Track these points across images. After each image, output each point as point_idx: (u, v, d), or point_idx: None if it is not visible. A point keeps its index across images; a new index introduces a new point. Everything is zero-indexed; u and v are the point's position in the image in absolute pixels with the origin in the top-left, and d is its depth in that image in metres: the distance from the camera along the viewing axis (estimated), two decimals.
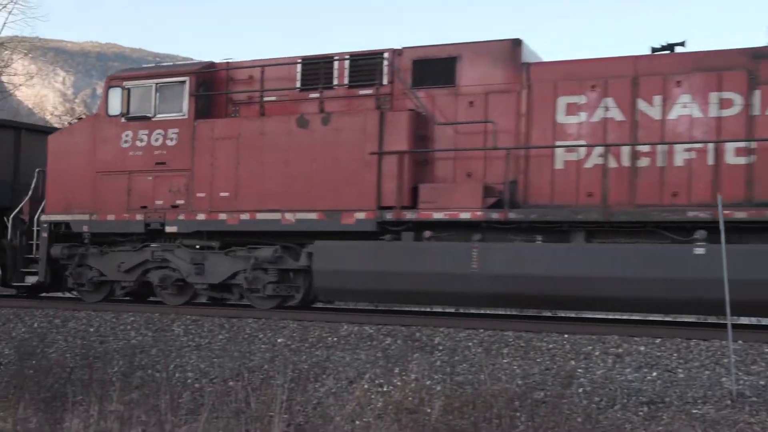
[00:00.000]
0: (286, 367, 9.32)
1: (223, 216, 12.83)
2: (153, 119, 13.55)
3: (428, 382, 9.07)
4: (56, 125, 72.43)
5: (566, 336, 10.03)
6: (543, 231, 11.49)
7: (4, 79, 63.68)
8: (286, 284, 12.76)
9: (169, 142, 13.44)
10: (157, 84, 13.66)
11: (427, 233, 11.77)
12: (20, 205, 14.90)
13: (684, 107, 11.07)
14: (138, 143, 13.65)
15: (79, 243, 14.13)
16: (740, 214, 10.33)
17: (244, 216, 12.68)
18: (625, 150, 11.22)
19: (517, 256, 11.28)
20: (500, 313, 13.85)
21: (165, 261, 13.52)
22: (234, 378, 9.69)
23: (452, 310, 13.02)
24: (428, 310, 13.23)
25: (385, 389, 9.15)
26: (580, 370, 9.07)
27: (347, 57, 12.94)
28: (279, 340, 10.88)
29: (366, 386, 9.22)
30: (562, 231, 11.42)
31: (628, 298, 10.91)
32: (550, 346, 9.80)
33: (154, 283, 13.70)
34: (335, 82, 12.89)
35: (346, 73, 12.86)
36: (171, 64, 16.15)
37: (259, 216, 12.59)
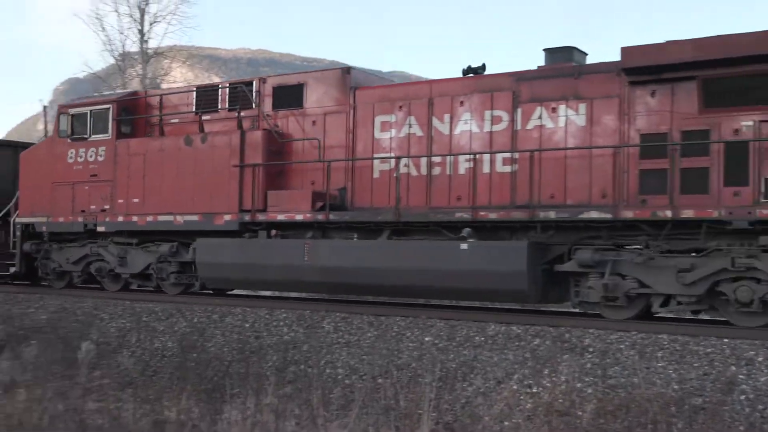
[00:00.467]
0: (434, 366, 9.38)
1: (135, 218, 15.71)
2: (88, 139, 16.65)
3: (579, 385, 8.88)
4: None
5: (725, 340, 9.55)
6: (359, 230, 13.58)
7: (165, 86, 67.65)
8: (187, 274, 15.37)
9: (99, 158, 16.50)
10: (91, 110, 16.77)
11: (273, 232, 14.13)
12: (5, 209, 18.33)
13: (465, 123, 12.95)
14: (78, 159, 16.80)
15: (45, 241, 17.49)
16: (492, 215, 12.20)
17: (150, 218, 15.49)
18: (423, 161, 13.22)
19: (336, 251, 13.31)
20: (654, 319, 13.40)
21: (100, 255, 16.48)
22: (383, 375, 9.86)
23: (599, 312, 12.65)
24: (574, 311, 12.85)
25: (534, 390, 9.05)
26: (741, 377, 8.62)
27: (227, 85, 15.80)
28: (426, 339, 10.95)
29: (515, 387, 9.15)
30: (375, 230, 13.37)
31: (419, 287, 12.84)
32: (708, 350, 9.34)
33: (93, 273, 16.71)
34: (219, 106, 15.50)
35: (227, 98, 15.44)
36: (102, 94, 19.08)
37: (160, 218, 15.33)
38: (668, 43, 11.32)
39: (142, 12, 60.69)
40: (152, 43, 63.17)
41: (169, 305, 14.10)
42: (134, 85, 62.02)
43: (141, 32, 61.20)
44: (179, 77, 69.79)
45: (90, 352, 11.44)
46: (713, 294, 10.89)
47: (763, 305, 10.37)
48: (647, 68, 11.32)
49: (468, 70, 13.55)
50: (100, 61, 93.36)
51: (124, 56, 61.72)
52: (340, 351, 11.14)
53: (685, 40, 11.17)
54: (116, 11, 62.25)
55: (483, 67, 13.54)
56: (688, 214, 10.79)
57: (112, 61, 62.06)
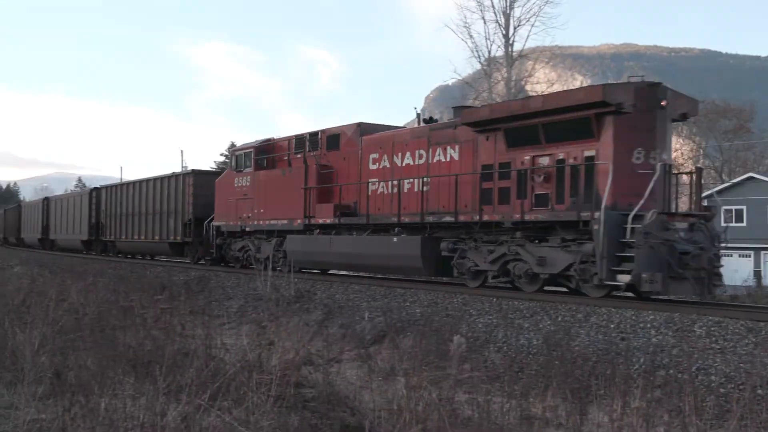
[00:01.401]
0: None
1: (261, 222, 23.90)
2: (243, 171, 25.27)
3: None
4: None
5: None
6: (357, 229, 20.23)
7: (528, 88, 68.81)
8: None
9: (247, 184, 24.90)
10: (244, 152, 25.59)
11: (317, 231, 21.49)
12: (210, 217, 27.50)
13: (408, 159, 18.93)
14: (238, 184, 25.34)
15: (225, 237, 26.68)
16: (406, 220, 18.37)
17: (267, 222, 23.58)
18: (389, 183, 19.31)
19: (340, 242, 20.41)
20: None
21: (248, 247, 24.88)
22: (764, 386, 9.04)
23: None
24: None
25: None
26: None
27: (306, 135, 22.86)
28: None
29: None
30: (364, 228, 19.97)
31: (377, 265, 19.63)
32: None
33: (244, 257, 25.37)
34: (303, 148, 22.74)
35: (306, 143, 22.67)
36: (254, 141, 26.15)
37: (271, 222, 23.35)
38: (482, 107, 18.26)
39: (507, 17, 62.43)
40: (516, 46, 64.64)
41: (533, 303, 14.28)
42: (499, 89, 64.02)
43: (506, 36, 63.01)
44: (542, 78, 70.53)
45: (461, 346, 12.01)
46: (506, 269, 16.36)
47: (530, 277, 15.65)
48: (475, 123, 16.89)
49: (426, 120, 19.91)
50: (467, 67, 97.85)
51: (490, 61, 64.03)
52: (714, 357, 10.42)
53: (489, 104, 18.12)
54: (482, 18, 64.94)
55: (431, 119, 20.20)
56: (485, 218, 16.36)
57: (478, 66, 64.91)
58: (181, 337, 11.15)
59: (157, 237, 32.27)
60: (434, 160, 18.22)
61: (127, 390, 7.60)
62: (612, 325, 12.36)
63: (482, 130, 16.81)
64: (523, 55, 67.04)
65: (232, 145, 78.96)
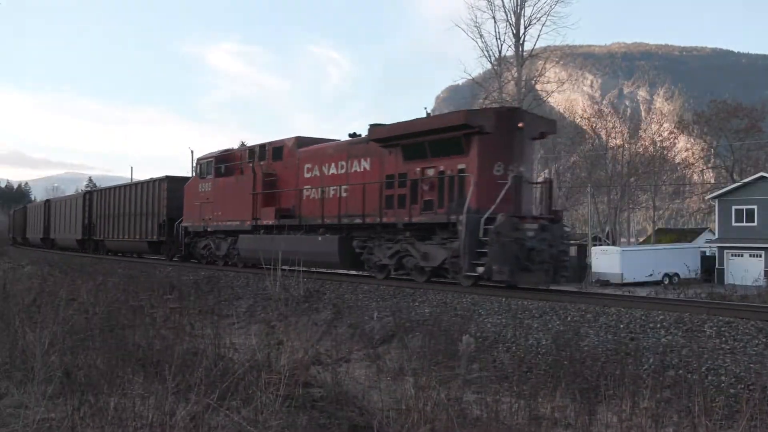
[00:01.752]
0: None
1: (219, 223, 27.32)
2: (206, 178, 28.61)
3: None
4: (584, 127, 74.87)
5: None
6: (294, 229, 22.89)
7: (539, 87, 68.67)
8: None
9: (208, 189, 28.19)
10: (207, 161, 28.73)
11: (262, 231, 24.64)
12: (180, 219, 31.05)
13: (332, 169, 21.83)
14: (202, 189, 28.61)
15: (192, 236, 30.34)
16: (328, 221, 21.34)
17: (224, 223, 26.97)
18: (318, 190, 22.08)
19: (279, 241, 22.27)
20: None
21: (211, 245, 28.53)
22: None
23: None
24: None
25: None
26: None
27: (257, 147, 26.07)
28: None
29: None
30: (298, 229, 22.80)
31: (307, 260, 20.87)
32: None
33: (206, 253, 29.07)
34: (254, 158, 25.83)
35: (257, 154, 25.77)
36: (215, 151, 29.45)
37: (227, 223, 26.74)
38: (385, 126, 19.93)
39: (518, 16, 62.39)
40: (527, 46, 64.65)
41: (542, 303, 14.29)
42: (509, 88, 63.87)
43: (516, 36, 62.97)
44: (553, 77, 70.34)
45: (470, 345, 12.01)
46: (401, 263, 19.31)
47: (418, 270, 18.51)
48: (380, 139, 19.74)
49: (351, 135, 22.72)
50: (477, 67, 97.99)
51: (500, 61, 63.94)
52: (724, 357, 10.39)
53: (391, 124, 19.80)
54: (493, 18, 65.01)
55: (354, 134, 22.52)
56: (384, 220, 19.29)
57: (488, 66, 64.83)
58: (190, 336, 11.17)
59: (138, 236, 35.86)
60: (352, 171, 21.28)
61: (137, 389, 7.63)
62: (621, 325, 12.34)
63: (386, 145, 19.79)
64: (533, 55, 66.88)
65: (242, 144, 79.35)
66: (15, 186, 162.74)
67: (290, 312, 15.70)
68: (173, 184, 32.67)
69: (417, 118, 19.04)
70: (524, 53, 66.27)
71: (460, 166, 17.77)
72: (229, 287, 21.63)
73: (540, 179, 19.94)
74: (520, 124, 17.70)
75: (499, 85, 64.79)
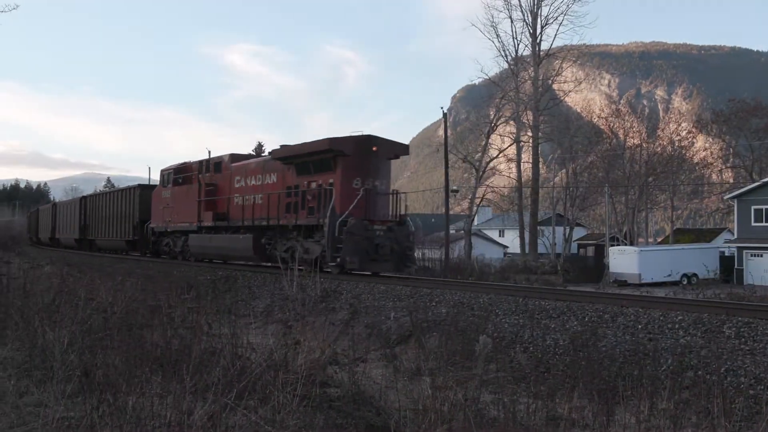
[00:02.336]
0: None
1: (176, 225, 32.96)
2: (167, 186, 34.10)
3: None
4: (601, 126, 74.71)
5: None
6: (226, 230, 28.81)
7: (555, 86, 68.43)
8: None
9: (169, 195, 33.66)
10: (168, 173, 34.24)
11: (203, 231, 30.44)
12: (149, 221, 37.15)
13: (253, 180, 27.47)
14: (164, 196, 34.17)
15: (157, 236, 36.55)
16: (246, 223, 27.10)
17: (178, 225, 32.76)
18: (243, 197, 27.90)
19: (213, 239, 29.17)
20: None
21: (170, 243, 34.28)
22: None
23: None
24: None
25: None
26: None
27: (204, 160, 31.70)
28: None
29: None
30: (229, 229, 28.72)
31: (232, 255, 28.74)
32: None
33: (168, 250, 34.77)
34: (201, 171, 31.53)
35: (203, 167, 31.38)
36: (175, 164, 34.56)
37: (180, 225, 32.45)
38: (284, 148, 25.94)
39: (535, 16, 62.34)
40: (544, 45, 64.78)
41: (560, 304, 14.25)
42: (526, 88, 63.56)
43: (533, 35, 62.91)
44: (570, 77, 70.14)
45: (487, 346, 11.98)
46: (293, 256, 23.40)
47: (303, 261, 22.32)
48: (280, 159, 25.61)
49: (270, 153, 28.27)
50: (494, 66, 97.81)
51: (517, 60, 63.83)
52: (743, 358, 10.31)
53: (288, 146, 25.71)
54: (509, 17, 65.01)
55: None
56: (282, 222, 24.94)
57: (505, 66, 64.71)
58: (207, 336, 11.14)
59: (118, 236, 42.45)
60: (266, 182, 26.90)
61: (155, 388, 7.65)
62: (639, 326, 12.28)
63: (285, 163, 25.59)
64: (550, 54, 66.77)
65: (258, 146, 79.79)
66: (34, 186, 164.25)
67: (307, 312, 15.71)
68: (145, 191, 39.19)
69: (304, 143, 25.19)
70: (541, 53, 66.17)
71: (330, 181, 23.39)
72: (246, 287, 21.74)
73: (391, 190, 24.71)
74: (374, 148, 23.16)
75: (515, 85, 64.64)
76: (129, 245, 40.57)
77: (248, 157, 30.30)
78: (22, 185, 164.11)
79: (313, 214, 23.48)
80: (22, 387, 8.42)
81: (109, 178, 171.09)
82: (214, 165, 30.71)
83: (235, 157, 29.78)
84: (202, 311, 12.12)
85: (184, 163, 34.22)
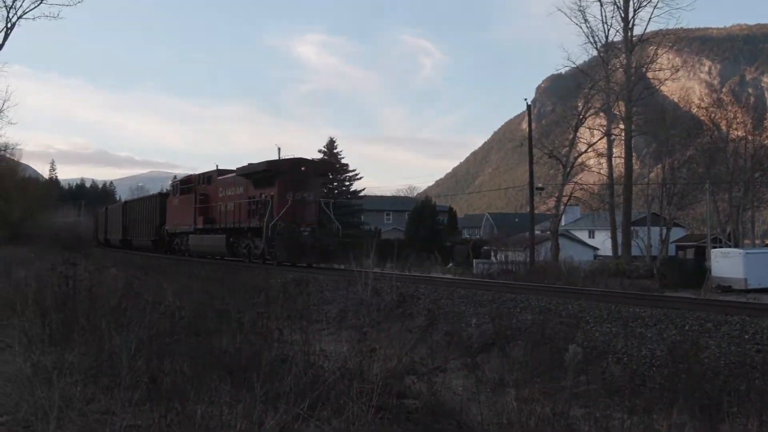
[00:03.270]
0: None
1: (180, 227, 43.70)
2: (175, 195, 44.82)
3: None
4: (701, 117, 72.69)
5: None
6: (214, 232, 38.85)
7: (650, 74, 66.87)
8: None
9: (177, 203, 44.12)
10: (176, 184, 46.04)
11: (198, 232, 40.61)
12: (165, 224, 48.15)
13: (230, 191, 37.21)
14: (173, 204, 45.05)
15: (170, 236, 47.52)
16: (222, 226, 38.10)
17: (180, 228, 43.68)
18: (226, 204, 37.62)
19: (206, 239, 39.01)
20: None
21: (182, 242, 43.97)
22: None
23: None
24: None
25: None
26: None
27: (200, 175, 42.88)
28: None
29: None
30: (214, 232, 38.78)
31: (211, 252, 38.44)
32: None
33: (184, 249, 43.84)
34: (200, 182, 41.85)
35: (199, 180, 42.32)
36: (182, 176, 49.36)
37: (182, 228, 43.18)
38: (247, 166, 35.24)
39: None
40: (636, 30, 63.43)
41: (657, 311, 13.92)
42: (617, 76, 62.33)
43: (625, 19, 61.65)
44: (666, 64, 68.45)
45: (576, 356, 11.77)
46: (248, 251, 34.86)
47: (254, 255, 33.83)
48: (242, 175, 35.53)
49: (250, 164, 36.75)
50: (582, 54, 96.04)
51: (607, 47, 62.69)
52: None
53: (247, 165, 35.31)
54: (599, 1, 63.78)
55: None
56: (242, 225, 34.78)
57: (594, 53, 63.63)
58: (278, 342, 11.26)
59: (146, 237, 52.01)
60: (237, 193, 35.91)
61: (224, 397, 7.74)
62: (746, 336, 11.91)
63: (247, 178, 34.70)
64: (644, 40, 65.32)
65: (330, 141, 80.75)
66: (100, 186, 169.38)
67: (383, 318, 15.72)
68: (164, 198, 48.96)
69: (257, 163, 34.02)
70: (634, 38, 64.80)
71: (272, 193, 32.14)
72: (319, 291, 21.92)
73: (320, 199, 33.83)
74: (302, 168, 32.42)
75: (606, 74, 63.45)
76: (153, 244, 49.71)
77: (229, 172, 39.07)
78: (88, 184, 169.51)
79: (261, 219, 32.07)
80: (89, 393, 8.64)
81: (176, 176, 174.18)
82: (207, 178, 40.93)
83: (221, 172, 39.88)
84: (272, 316, 12.27)
85: (189, 175, 45.69)
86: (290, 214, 31.27)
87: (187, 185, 43.22)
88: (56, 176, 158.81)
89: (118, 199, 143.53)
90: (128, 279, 16.93)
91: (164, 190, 53.79)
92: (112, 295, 13.34)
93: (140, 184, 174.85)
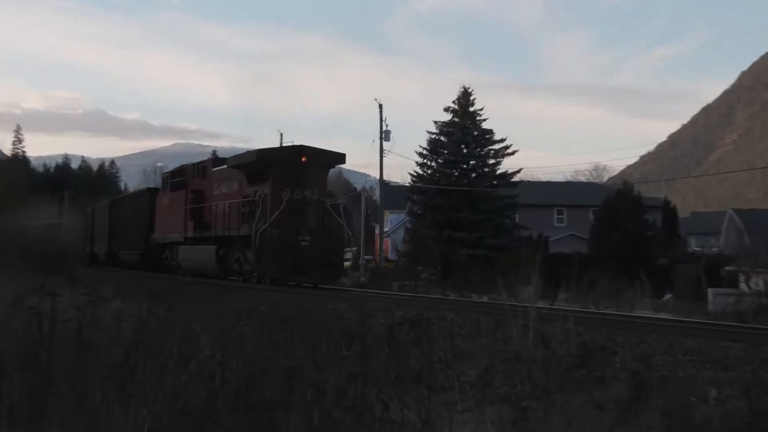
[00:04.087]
0: None
1: (169, 235, 48.46)
2: (165, 192, 48.07)
3: None
4: None
5: None
6: (204, 241, 43.59)
7: None
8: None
9: (169, 202, 47.10)
10: (166, 176, 49.75)
11: (188, 242, 43.88)
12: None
13: (224, 188, 45.88)
14: (165, 202, 48.75)
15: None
16: (215, 234, 45.17)
17: (170, 235, 47.97)
18: (222, 203, 43.52)
19: (192, 250, 45.46)
20: None
21: (172, 256, 46.79)
22: None
23: None
24: None
25: None
26: None
27: (196, 165, 46.22)
28: None
29: None
30: (207, 241, 42.53)
31: (201, 269, 43.62)
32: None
33: (175, 264, 45.69)
34: (194, 175, 46.71)
35: (195, 173, 47.82)
36: (177, 167, 51.42)
37: (170, 235, 48.51)
38: (239, 154, 44.53)
39: None
40: None
41: None
42: None
43: None
44: None
45: None
46: (240, 267, 37.39)
47: (249, 273, 38.89)
48: (232, 167, 42.89)
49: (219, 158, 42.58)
50: None
51: None
52: None
53: (237, 155, 45.91)
54: None
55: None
56: (232, 233, 40.44)
57: None
58: (382, 423, 11.30)
59: (131, 249, 55.63)
60: (231, 190, 40.65)
61: None
62: None
63: (240, 171, 39.80)
64: None
65: (464, 93, 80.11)
66: (95, 166, 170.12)
67: (554, 384, 15.65)
68: (153, 194, 51.56)
69: (248, 152, 41.31)
70: None
71: (265, 191, 35.53)
72: (446, 337, 21.48)
73: (325, 199, 35.44)
74: (303, 159, 35.37)
75: None
76: (141, 259, 50.37)
77: (222, 161, 40.49)
78: (75, 165, 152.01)
79: (251, 224, 33.78)
80: None
81: (214, 151, 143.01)
82: (201, 169, 41.54)
83: (216, 162, 39.93)
84: (371, 379, 12.44)
85: (182, 166, 45.56)
86: (285, 218, 33.77)
87: (179, 179, 44.54)
88: (24, 152, 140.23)
89: (123, 188, 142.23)
90: (141, 316, 17.26)
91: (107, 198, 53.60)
92: (113, 346, 13.28)
93: (159, 164, 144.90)
